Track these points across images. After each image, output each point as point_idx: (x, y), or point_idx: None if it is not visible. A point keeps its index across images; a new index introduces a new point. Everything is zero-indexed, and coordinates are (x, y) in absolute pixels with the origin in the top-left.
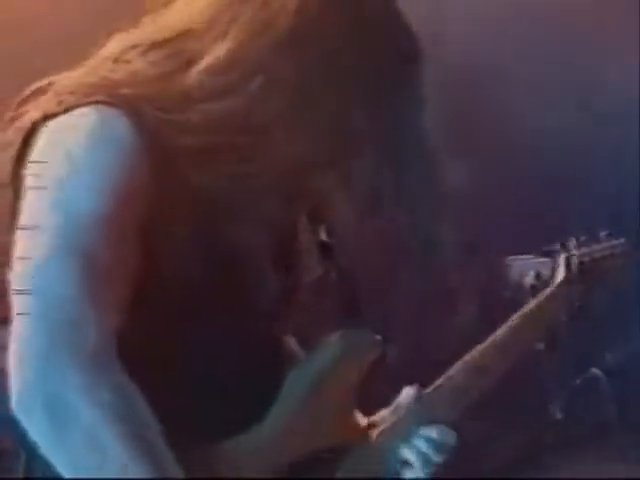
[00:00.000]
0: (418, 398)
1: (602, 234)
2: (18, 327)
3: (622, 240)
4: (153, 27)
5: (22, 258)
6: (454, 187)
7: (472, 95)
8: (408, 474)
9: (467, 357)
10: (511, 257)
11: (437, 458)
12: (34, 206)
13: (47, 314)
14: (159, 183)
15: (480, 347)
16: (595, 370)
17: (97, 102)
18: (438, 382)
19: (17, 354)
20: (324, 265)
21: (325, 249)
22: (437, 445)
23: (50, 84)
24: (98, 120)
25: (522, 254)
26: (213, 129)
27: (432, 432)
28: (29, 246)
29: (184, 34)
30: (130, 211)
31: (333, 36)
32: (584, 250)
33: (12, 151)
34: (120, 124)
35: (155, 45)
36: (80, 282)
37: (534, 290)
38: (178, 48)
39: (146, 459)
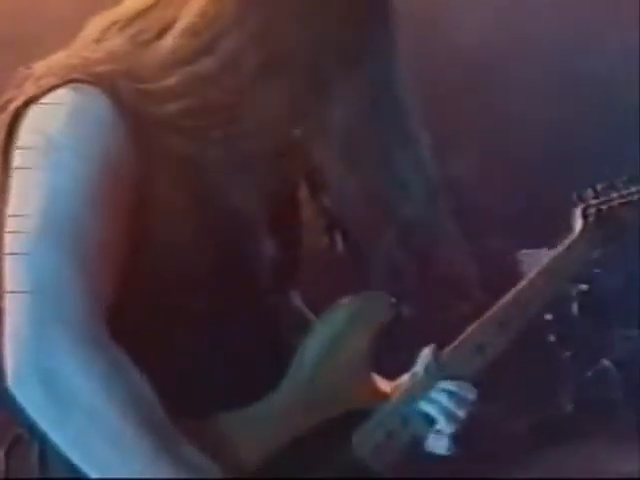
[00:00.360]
0: (436, 357)
1: (620, 180)
2: (11, 307)
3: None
4: (130, 2)
5: (14, 241)
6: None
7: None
8: (433, 439)
9: (487, 313)
10: (523, 251)
11: (460, 412)
12: (21, 190)
13: (40, 292)
14: (144, 155)
15: (500, 302)
16: (605, 361)
17: (74, 81)
18: (456, 340)
19: (11, 333)
20: (329, 233)
21: (328, 215)
22: (458, 398)
23: (33, 70)
24: (76, 99)
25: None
26: (191, 92)
27: (452, 386)
28: (20, 229)
29: (156, 4)
30: (117, 186)
31: None
32: (602, 199)
33: None
34: (98, 102)
35: (131, 19)
36: (71, 260)
37: None
38: (151, 18)
39: (146, 428)
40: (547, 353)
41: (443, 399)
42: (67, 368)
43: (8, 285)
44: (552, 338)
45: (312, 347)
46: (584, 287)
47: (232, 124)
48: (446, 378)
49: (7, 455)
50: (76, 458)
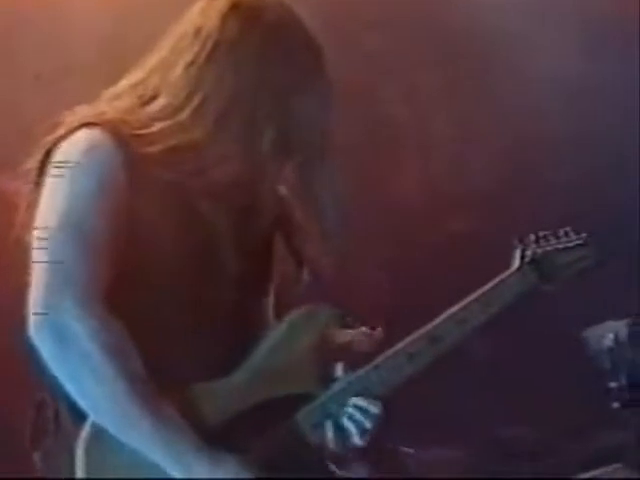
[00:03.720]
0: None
1: (563, 230)
2: (34, 278)
3: (582, 235)
4: (137, 72)
5: (39, 230)
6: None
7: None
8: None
9: (421, 329)
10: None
11: (368, 424)
12: (49, 198)
13: (54, 268)
14: (135, 178)
15: (435, 320)
16: None
17: (89, 124)
18: (392, 349)
19: (32, 295)
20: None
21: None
22: (366, 412)
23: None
24: (89, 136)
25: None
26: (169, 137)
27: (361, 401)
28: (45, 223)
29: (150, 74)
30: (115, 197)
31: (245, 54)
32: (541, 243)
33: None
34: (104, 138)
35: (133, 85)
36: (80, 248)
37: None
38: (147, 85)
39: (126, 374)
40: None
41: (355, 413)
42: (70, 321)
43: (34, 262)
44: None
45: (271, 338)
46: None
47: (200, 159)
48: (379, 377)
49: (35, 414)
50: (72, 392)
